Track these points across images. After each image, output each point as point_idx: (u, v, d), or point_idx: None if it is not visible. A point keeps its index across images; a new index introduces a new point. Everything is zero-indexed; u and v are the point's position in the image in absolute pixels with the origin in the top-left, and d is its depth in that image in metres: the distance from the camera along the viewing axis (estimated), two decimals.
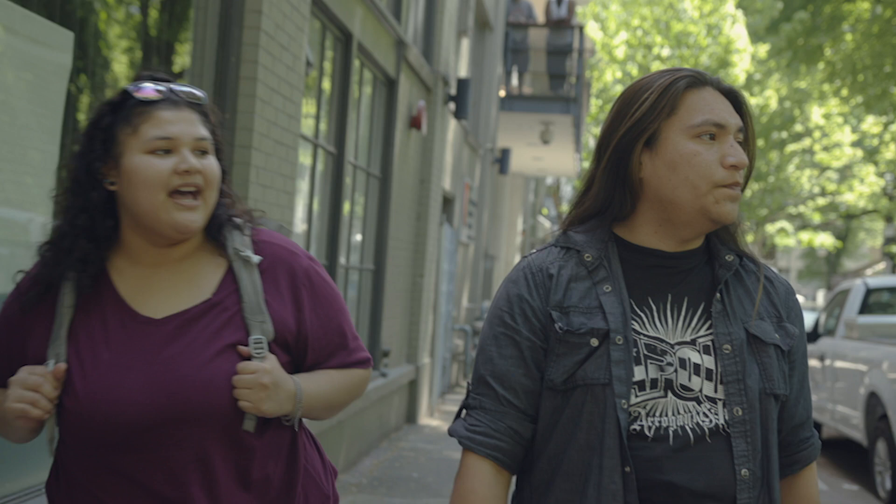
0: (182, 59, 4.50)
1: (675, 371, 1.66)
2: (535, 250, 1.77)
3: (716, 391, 1.66)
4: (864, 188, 28.78)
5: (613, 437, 1.61)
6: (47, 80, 3.18)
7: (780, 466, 1.77)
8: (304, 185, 6.20)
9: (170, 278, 1.80)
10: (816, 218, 28.64)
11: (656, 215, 1.71)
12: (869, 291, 9.72)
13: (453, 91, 10.29)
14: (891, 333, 8.51)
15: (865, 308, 9.60)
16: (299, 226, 6.06)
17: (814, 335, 9.85)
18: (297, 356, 1.85)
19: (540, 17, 16.83)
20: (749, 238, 28.15)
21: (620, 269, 1.71)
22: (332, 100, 6.79)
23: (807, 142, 26.80)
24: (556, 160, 18.59)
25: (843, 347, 8.95)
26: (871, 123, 27.37)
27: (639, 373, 1.65)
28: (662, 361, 1.66)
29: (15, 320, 1.80)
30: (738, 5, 25.47)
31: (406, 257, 9.26)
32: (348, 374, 1.91)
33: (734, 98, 1.73)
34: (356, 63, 7.07)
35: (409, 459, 7.78)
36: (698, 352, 1.67)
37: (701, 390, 1.65)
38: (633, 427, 1.63)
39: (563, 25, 15.80)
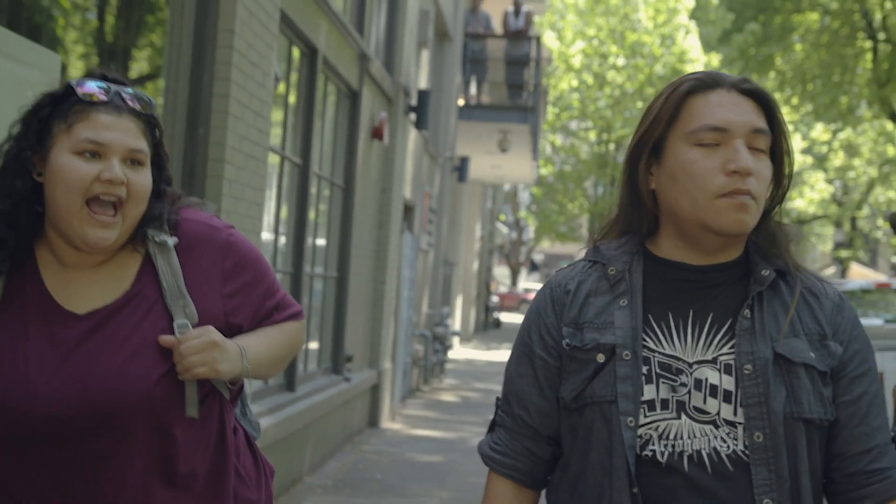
0: (157, 77, 4.68)
1: (689, 392, 1.56)
2: (567, 264, 1.73)
3: (735, 414, 1.54)
4: (814, 194, 29.43)
5: (620, 457, 1.55)
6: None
7: (847, 501, 1.60)
8: (271, 196, 6.39)
9: (92, 274, 1.75)
10: None
11: (673, 228, 1.63)
12: None
13: (414, 102, 10.53)
14: None
15: None
16: (267, 235, 6.24)
17: None
18: (231, 328, 1.80)
19: (498, 27, 17.12)
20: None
21: (641, 282, 1.62)
22: (298, 112, 6.99)
23: None
24: (514, 167, 18.90)
25: None
26: (820, 131, 27.99)
27: (649, 392, 1.56)
28: (676, 381, 1.57)
29: None
30: (692, 16, 25.94)
31: (368, 265, 9.46)
32: (284, 328, 1.88)
33: (760, 99, 1.60)
34: (321, 77, 7.27)
35: (373, 462, 7.98)
36: (718, 372, 1.56)
37: (718, 413, 1.55)
38: (645, 452, 1.55)
39: (520, 36, 16.11)
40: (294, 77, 6.83)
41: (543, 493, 1.72)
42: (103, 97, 1.69)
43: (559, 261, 64.12)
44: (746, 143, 1.56)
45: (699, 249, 1.61)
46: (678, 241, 1.62)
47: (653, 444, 1.55)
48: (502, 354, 19.87)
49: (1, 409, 1.66)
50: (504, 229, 34.71)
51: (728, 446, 1.53)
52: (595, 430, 1.57)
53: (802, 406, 1.54)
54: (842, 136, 27.49)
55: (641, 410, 1.55)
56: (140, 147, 1.70)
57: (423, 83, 12.01)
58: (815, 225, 33.67)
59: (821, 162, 29.39)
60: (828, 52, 19.08)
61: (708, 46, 26.13)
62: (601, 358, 1.58)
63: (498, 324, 29.87)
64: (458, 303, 19.71)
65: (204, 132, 4.68)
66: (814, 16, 19.23)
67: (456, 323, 18.90)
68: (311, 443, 7.28)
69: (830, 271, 33.42)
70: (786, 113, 24.04)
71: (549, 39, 24.73)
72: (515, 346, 1.69)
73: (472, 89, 16.21)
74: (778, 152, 1.61)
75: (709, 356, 1.56)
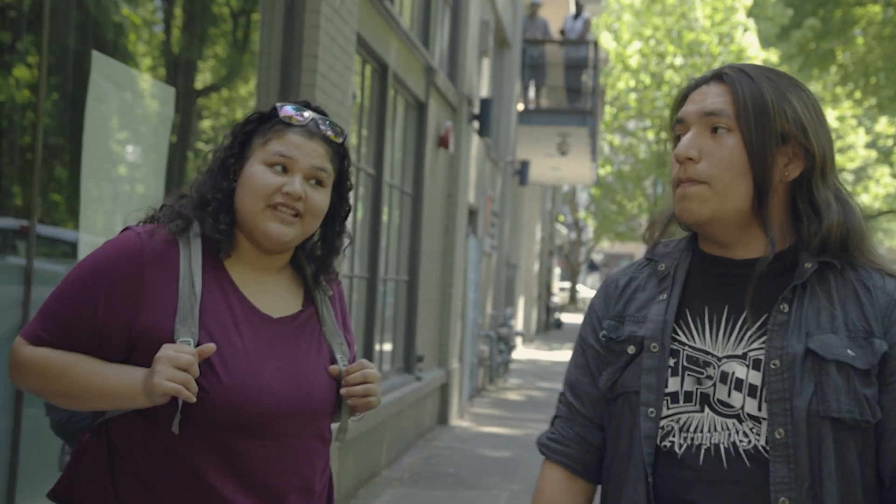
0: (250, 100, 5.10)
1: (714, 385, 1.54)
2: (629, 264, 1.77)
3: (759, 409, 1.51)
4: (879, 189, 29.04)
5: (639, 446, 1.56)
6: (156, 129, 3.78)
7: None
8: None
9: (273, 284, 1.87)
10: None
11: None
12: None
13: (477, 110, 10.87)
14: None
15: None
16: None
17: None
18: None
19: (555, 32, 17.38)
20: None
21: (684, 278, 1.62)
22: (371, 125, 7.38)
23: None
24: (573, 169, 19.11)
25: None
26: (884, 125, 27.64)
27: (673, 384, 1.56)
28: (702, 374, 1.56)
29: (133, 272, 1.74)
30: (749, 14, 25.85)
31: (436, 268, 9.84)
32: None
33: (723, 79, 1.58)
34: (391, 91, 7.66)
35: (444, 457, 8.34)
36: (746, 366, 1.54)
37: (742, 407, 1.52)
38: (664, 443, 1.56)
39: (579, 41, 16.37)
40: (367, 92, 7.23)
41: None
42: (301, 120, 1.84)
43: (619, 260, 63.89)
44: (702, 128, 1.55)
45: (719, 243, 1.59)
46: (702, 237, 1.63)
47: (672, 436, 1.55)
48: (564, 354, 20.11)
49: (228, 402, 1.71)
50: (563, 230, 34.81)
51: (749, 441, 1.51)
52: (623, 421, 1.60)
53: (829, 404, 1.49)
54: None
55: (665, 402, 1.56)
56: (323, 166, 1.82)
57: (484, 91, 12.36)
58: (882, 220, 33.17)
59: (886, 156, 28.96)
60: (891, 44, 18.84)
61: (766, 43, 25.96)
62: (632, 350, 1.61)
63: (559, 324, 29.95)
64: (521, 304, 20.01)
65: None
66: (876, 8, 19.06)
67: (518, 324, 19.20)
68: (387, 439, 7.65)
69: None
70: (849, 107, 23.76)
71: (606, 40, 24.85)
72: (577, 337, 1.74)
73: (531, 94, 16.51)
74: (745, 131, 1.54)
75: (739, 351, 1.54)
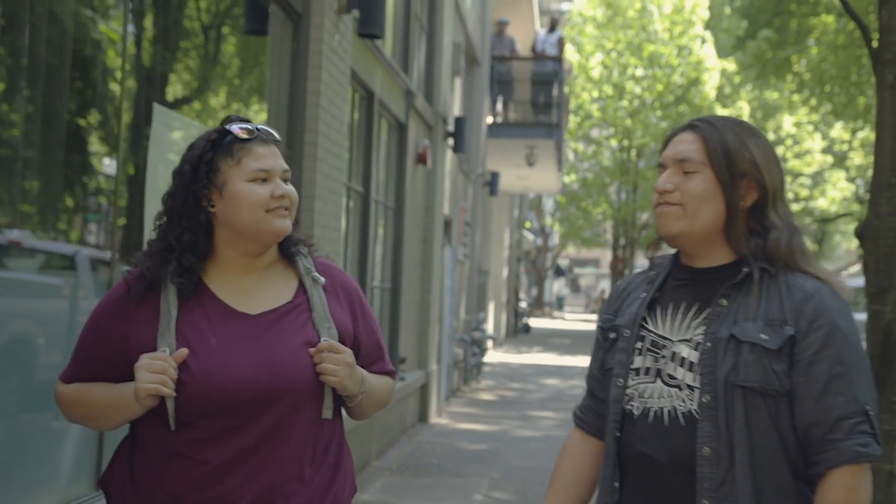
0: None
1: (666, 362, 1.93)
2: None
3: (694, 381, 1.89)
4: (836, 193, 29.72)
5: (612, 408, 2.00)
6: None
7: (808, 466, 1.86)
8: (342, 222, 7.49)
9: (255, 283, 2.08)
10: None
11: None
12: None
13: (451, 128, 11.62)
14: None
15: None
16: (339, 255, 7.34)
17: None
18: (357, 346, 2.13)
19: (522, 49, 18.15)
20: None
21: (663, 281, 2.02)
22: (359, 147, 8.09)
23: (779, 149, 27.52)
24: (541, 179, 19.85)
25: None
26: (839, 130, 28.35)
27: (639, 361, 1.97)
28: (659, 354, 1.95)
29: (121, 310, 2.03)
30: (707, 26, 26.49)
31: (416, 276, 10.56)
32: (385, 380, 2.21)
33: (694, 129, 1.97)
34: (377, 115, 8.38)
35: (428, 450, 9.05)
36: (690, 347, 1.91)
37: (683, 379, 1.90)
38: (626, 406, 1.97)
39: (545, 57, 17.15)
40: (356, 118, 7.94)
41: None
42: (255, 133, 2.05)
43: (584, 265, 64.58)
44: (676, 169, 1.95)
45: (687, 254, 2.00)
46: (682, 250, 2.03)
47: (633, 401, 1.97)
48: (533, 357, 20.82)
49: (202, 386, 1.94)
50: (530, 236, 35.38)
51: (685, 405, 1.89)
52: (608, 391, 2.04)
53: (740, 376, 1.84)
54: (861, 134, 27.76)
55: (630, 375, 1.98)
56: (287, 167, 2.09)
57: (456, 108, 13.09)
58: (840, 222, 33.73)
59: (841, 161, 29.53)
60: (844, 53, 19.47)
61: (723, 53, 26.64)
62: (613, 336, 2.06)
63: (527, 329, 29.94)
64: (491, 309, 20.74)
65: (298, 173, 5.78)
66: (829, 18, 19.80)
67: (489, 328, 19.91)
68: (376, 433, 8.35)
69: (855, 269, 33.38)
70: (805, 113, 24.14)
71: (569, 52, 25.51)
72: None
73: (500, 108, 17.26)
74: (717, 169, 1.92)
75: (688, 336, 1.93)
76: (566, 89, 23.48)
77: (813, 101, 20.85)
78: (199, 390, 1.94)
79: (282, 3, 5.62)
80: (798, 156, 28.02)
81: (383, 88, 8.38)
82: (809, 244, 30.67)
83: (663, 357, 1.94)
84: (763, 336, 1.84)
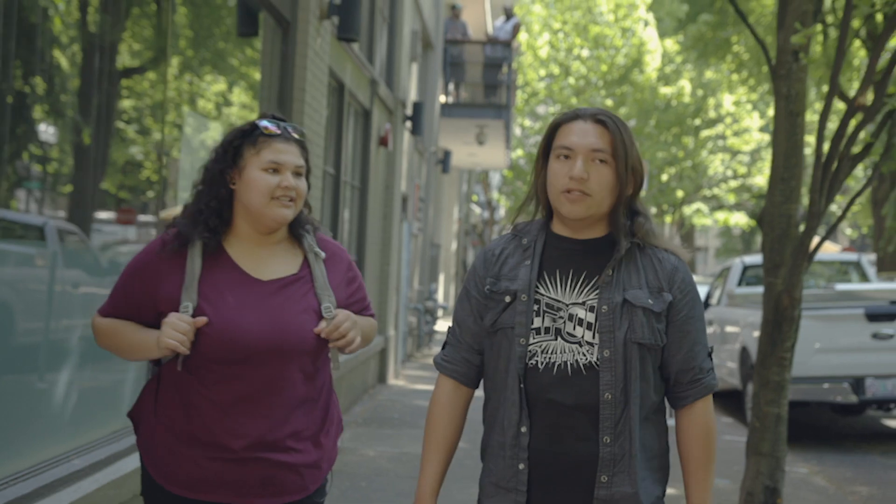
0: None
1: (565, 322, 2.12)
2: (498, 237, 2.31)
3: (593, 338, 2.10)
4: None
5: (514, 364, 2.13)
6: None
7: (674, 400, 2.21)
8: (318, 202, 8.34)
9: (268, 255, 2.36)
10: (731, 199, 29.87)
11: (557, 213, 2.19)
12: (745, 268, 11.56)
13: (409, 112, 12.46)
14: (759, 301, 10.43)
15: (743, 281, 11.37)
16: None
17: (705, 304, 11.54)
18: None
19: (475, 34, 18.95)
20: (668, 219, 28.51)
21: (542, 249, 2.19)
22: (331, 134, 8.93)
23: (719, 128, 28.11)
24: (489, 156, 20.62)
25: (725, 313, 10.84)
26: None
27: (537, 322, 2.13)
28: (556, 315, 2.13)
29: (155, 264, 2.32)
30: (650, 9, 27.19)
31: (377, 250, 11.44)
32: (370, 321, 2.57)
33: (601, 123, 2.13)
34: (346, 104, 9.22)
35: (388, 406, 9.98)
36: (585, 310, 2.12)
37: (583, 337, 2.11)
38: (530, 361, 2.13)
39: (496, 42, 18.00)
40: (329, 107, 8.78)
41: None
42: (277, 131, 2.33)
43: None
44: (588, 158, 2.11)
45: (572, 228, 2.17)
46: (559, 222, 2.20)
47: (536, 357, 2.13)
48: None
49: (218, 336, 2.25)
50: (477, 209, 35.93)
51: (586, 358, 2.10)
52: (502, 347, 2.17)
53: (637, 334, 2.10)
54: None
55: (531, 334, 2.14)
56: (301, 164, 2.35)
57: (413, 91, 13.92)
58: None
59: None
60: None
61: (665, 35, 27.35)
62: (508, 299, 2.17)
63: None
64: (441, 280, 21.63)
65: None
66: (768, 0, 20.71)
67: (440, 297, 20.82)
68: (343, 392, 9.26)
69: None
70: (744, 93, 24.48)
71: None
72: (461, 290, 2.30)
73: (451, 89, 18.09)
74: (619, 163, 2.12)
75: (580, 300, 2.13)
76: (514, 65, 24.23)
77: (752, 81, 21.79)
78: (216, 340, 2.25)
79: (273, 11, 6.44)
80: (737, 134, 28.60)
81: (353, 80, 9.21)
82: (747, 219, 31.27)
83: (561, 318, 2.14)
84: (650, 301, 2.14)
